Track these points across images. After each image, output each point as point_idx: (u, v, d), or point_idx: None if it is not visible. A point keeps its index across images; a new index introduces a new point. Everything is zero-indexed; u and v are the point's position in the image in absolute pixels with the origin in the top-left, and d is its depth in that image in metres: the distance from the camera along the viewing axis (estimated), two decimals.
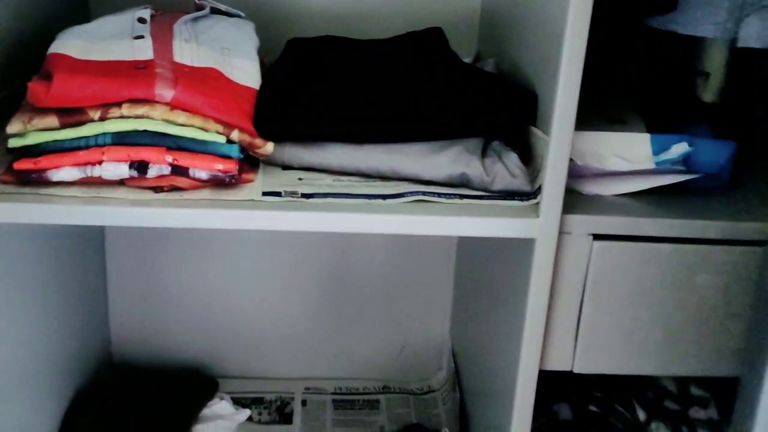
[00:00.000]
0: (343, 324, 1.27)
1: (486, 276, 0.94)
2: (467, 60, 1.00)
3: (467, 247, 1.10)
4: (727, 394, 1.07)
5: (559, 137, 0.65)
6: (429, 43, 0.92)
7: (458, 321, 1.19)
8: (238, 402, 1.19)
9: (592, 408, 0.99)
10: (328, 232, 1.18)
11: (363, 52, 0.89)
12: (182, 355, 1.25)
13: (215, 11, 0.91)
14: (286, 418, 1.19)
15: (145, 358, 1.24)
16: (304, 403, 1.23)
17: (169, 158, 0.68)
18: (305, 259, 1.22)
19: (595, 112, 0.83)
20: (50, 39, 0.73)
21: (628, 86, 0.93)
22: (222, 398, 1.18)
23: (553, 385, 1.00)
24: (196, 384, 1.19)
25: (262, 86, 0.78)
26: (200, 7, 0.88)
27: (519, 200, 0.72)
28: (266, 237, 1.20)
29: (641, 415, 0.98)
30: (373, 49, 0.90)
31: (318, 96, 0.77)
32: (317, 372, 1.29)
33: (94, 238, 1.14)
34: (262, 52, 0.90)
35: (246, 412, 1.17)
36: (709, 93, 0.92)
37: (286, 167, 0.76)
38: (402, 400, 1.24)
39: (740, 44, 0.77)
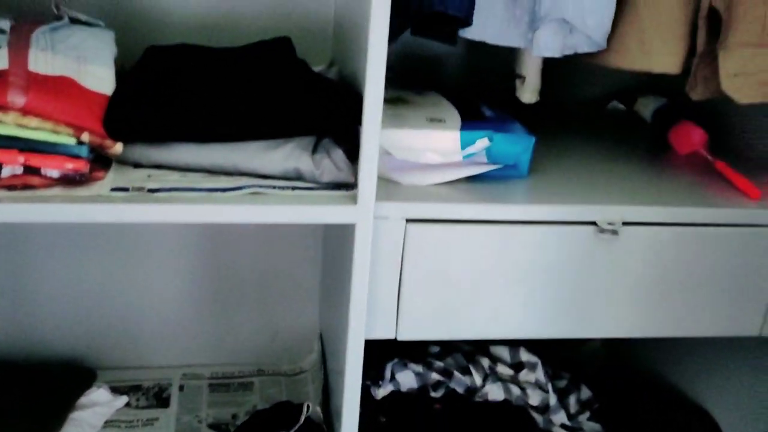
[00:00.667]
0: (220, 313, 1.35)
1: (335, 262, 1.05)
2: (321, 67, 1.11)
3: (330, 238, 1.21)
4: (551, 357, 1.23)
5: (369, 134, 0.76)
6: (277, 51, 1.01)
7: (324, 306, 1.30)
8: (117, 390, 1.25)
9: (435, 376, 1.11)
10: (202, 225, 1.28)
11: (215, 59, 0.98)
12: (60, 349, 1.30)
13: (75, 21, 0.98)
14: (163, 402, 1.26)
15: (23, 353, 1.28)
16: (181, 388, 1.30)
17: (21, 159, 0.75)
18: (181, 251, 1.30)
19: (420, 114, 0.95)
20: None
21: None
22: (100, 387, 1.24)
23: (397, 358, 1.11)
24: (72, 375, 1.25)
25: (115, 91, 0.86)
26: (59, 17, 0.95)
27: (344, 191, 0.83)
28: (140, 229, 1.27)
29: (477, 380, 1.11)
30: (225, 56, 0.99)
31: (167, 99, 0.85)
32: (195, 359, 1.36)
33: None
34: (123, 59, 0.97)
35: (123, 399, 1.24)
36: (526, 94, 1.06)
37: (137, 165, 0.85)
38: (275, 381, 1.34)
39: (534, 53, 0.91)
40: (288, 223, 0.80)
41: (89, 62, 0.88)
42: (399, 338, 0.87)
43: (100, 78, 0.86)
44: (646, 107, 1.19)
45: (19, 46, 0.84)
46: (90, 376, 1.26)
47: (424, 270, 0.85)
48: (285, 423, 1.11)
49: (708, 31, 0.83)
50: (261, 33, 1.12)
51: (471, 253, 0.85)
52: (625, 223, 0.85)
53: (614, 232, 0.85)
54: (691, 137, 1.04)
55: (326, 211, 0.80)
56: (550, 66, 1.03)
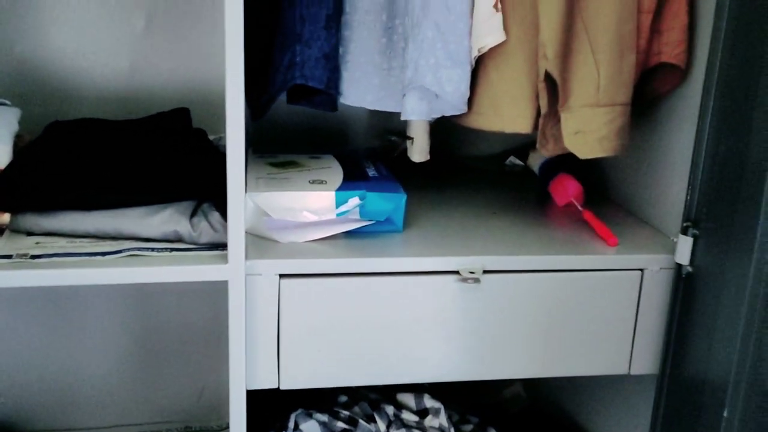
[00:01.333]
0: (147, 371, 1.39)
1: None
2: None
3: None
4: (470, 402, 1.27)
5: (233, 197, 0.83)
6: (174, 121, 1.09)
7: None
8: None
9: (340, 425, 1.15)
10: (127, 285, 1.33)
11: (113, 131, 1.05)
12: None
13: None
14: None
15: None
16: None
17: None
18: (107, 312, 1.35)
19: (305, 177, 1.02)
20: None
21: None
22: None
23: (301, 407, 1.16)
24: None
25: (8, 165, 0.93)
26: None
27: (221, 251, 0.89)
28: (65, 291, 1.32)
29: (382, 427, 1.16)
30: (124, 128, 1.07)
31: (55, 170, 0.92)
32: (125, 420, 1.40)
33: None
34: (29, 135, 1.05)
35: None
36: (415, 155, 1.13)
37: (30, 234, 0.91)
38: None
39: (402, 117, 0.98)
40: (164, 281, 0.86)
41: None
42: (282, 387, 0.92)
43: None
44: (536, 161, 1.26)
45: None
46: None
47: (302, 321, 0.90)
48: None
49: (549, 93, 0.91)
50: (174, 102, 1.19)
51: (345, 304, 0.91)
52: (486, 272, 0.91)
53: (476, 281, 0.91)
54: (566, 189, 1.11)
55: (200, 270, 0.86)
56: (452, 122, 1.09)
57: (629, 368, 0.98)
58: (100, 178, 0.91)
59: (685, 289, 0.90)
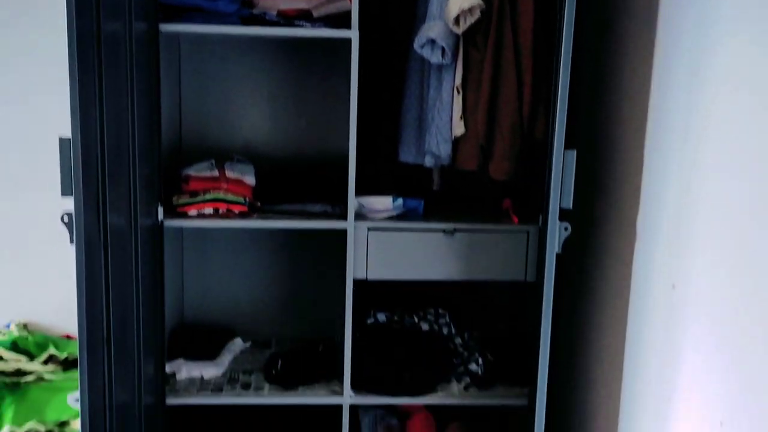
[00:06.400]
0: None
1: None
2: None
3: None
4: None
5: (350, 201, 2.08)
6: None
7: None
8: None
9: (395, 317, 2.34)
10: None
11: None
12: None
13: (239, 160, 2.36)
14: None
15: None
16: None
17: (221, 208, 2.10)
18: None
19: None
20: None
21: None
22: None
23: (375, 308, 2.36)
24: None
25: (256, 185, 2.22)
26: (231, 159, 2.33)
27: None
28: None
29: (416, 319, 2.34)
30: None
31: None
32: None
33: None
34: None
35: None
36: (434, 185, 2.37)
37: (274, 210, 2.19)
38: None
39: (425, 166, 2.21)
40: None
41: (245, 174, 2.24)
42: (369, 278, 2.14)
43: (250, 178, 2.23)
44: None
45: (220, 169, 2.22)
46: None
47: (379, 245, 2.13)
48: None
49: (485, 155, 2.13)
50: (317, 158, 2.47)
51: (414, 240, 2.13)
52: (456, 230, 2.12)
53: (452, 234, 2.12)
54: (505, 201, 2.32)
55: (330, 224, 2.11)
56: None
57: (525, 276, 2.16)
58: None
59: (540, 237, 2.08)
